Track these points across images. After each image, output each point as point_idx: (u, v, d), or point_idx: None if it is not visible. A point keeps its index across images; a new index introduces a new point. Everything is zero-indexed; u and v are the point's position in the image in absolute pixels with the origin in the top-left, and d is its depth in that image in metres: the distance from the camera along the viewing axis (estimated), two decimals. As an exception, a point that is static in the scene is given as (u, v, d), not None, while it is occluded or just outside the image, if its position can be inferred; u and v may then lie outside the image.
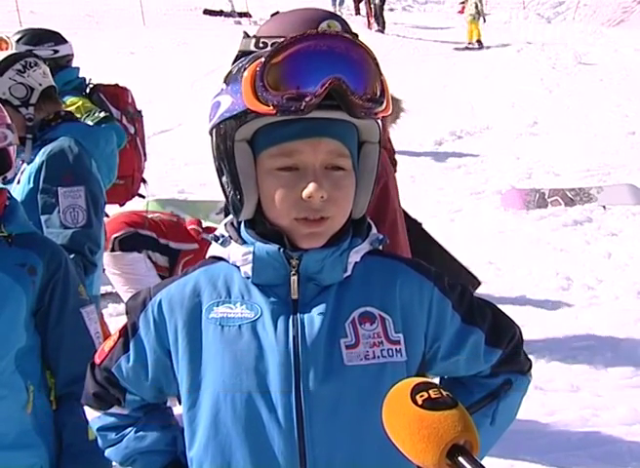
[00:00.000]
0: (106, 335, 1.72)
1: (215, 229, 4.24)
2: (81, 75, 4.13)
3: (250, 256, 1.20)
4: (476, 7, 17.73)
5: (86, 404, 1.40)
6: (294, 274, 1.19)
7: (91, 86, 4.11)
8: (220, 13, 20.47)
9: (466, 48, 17.25)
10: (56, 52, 3.99)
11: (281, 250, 1.19)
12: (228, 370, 1.20)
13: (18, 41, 3.81)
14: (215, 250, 1.28)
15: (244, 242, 1.23)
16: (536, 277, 5.42)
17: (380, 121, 1.23)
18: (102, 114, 3.67)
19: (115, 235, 3.91)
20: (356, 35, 1.66)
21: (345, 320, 1.20)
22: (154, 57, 14.97)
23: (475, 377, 1.33)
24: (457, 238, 6.35)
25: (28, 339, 1.75)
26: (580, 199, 7.01)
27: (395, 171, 2.82)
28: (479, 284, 4.32)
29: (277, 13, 2.11)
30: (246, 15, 20.20)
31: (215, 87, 1.26)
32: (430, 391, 0.92)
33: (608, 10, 21.34)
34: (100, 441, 1.40)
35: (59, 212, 2.42)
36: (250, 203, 1.20)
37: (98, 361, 1.36)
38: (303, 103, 1.10)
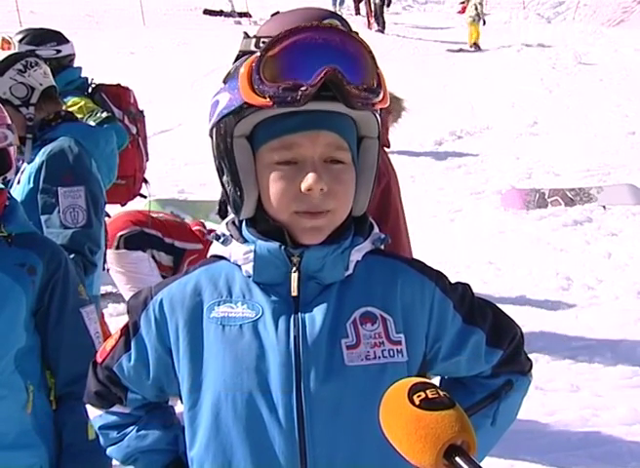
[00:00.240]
0: (106, 335, 1.72)
1: None
2: (82, 75, 4.13)
3: (251, 255, 1.20)
4: (476, 9, 17.57)
5: (88, 402, 1.40)
6: (294, 271, 1.19)
7: (93, 86, 4.11)
8: (220, 13, 20.48)
9: (460, 50, 17.10)
10: (58, 51, 4.00)
11: (282, 247, 1.19)
12: (229, 369, 1.19)
13: (20, 41, 3.82)
14: (216, 249, 1.28)
15: (245, 241, 1.23)
16: (536, 277, 5.43)
17: (378, 116, 1.23)
18: (105, 114, 3.68)
19: (121, 233, 3.92)
20: (356, 34, 1.66)
21: (347, 320, 1.20)
22: (154, 57, 14.97)
23: (476, 378, 1.33)
24: (457, 238, 6.36)
25: (28, 339, 1.75)
26: (580, 199, 7.01)
27: None
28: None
29: (277, 13, 2.11)
30: (246, 15, 20.21)
31: (215, 87, 1.26)
32: (428, 391, 0.92)
33: (608, 10, 21.34)
34: (101, 439, 1.40)
35: (59, 212, 2.42)
36: (250, 200, 1.20)
37: (99, 360, 1.36)
38: (299, 93, 1.10)
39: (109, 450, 1.39)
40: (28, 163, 2.53)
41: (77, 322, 1.83)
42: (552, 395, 3.71)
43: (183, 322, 1.24)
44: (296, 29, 1.12)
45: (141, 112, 4.36)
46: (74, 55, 4.10)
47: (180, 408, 1.32)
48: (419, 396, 0.91)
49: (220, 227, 1.29)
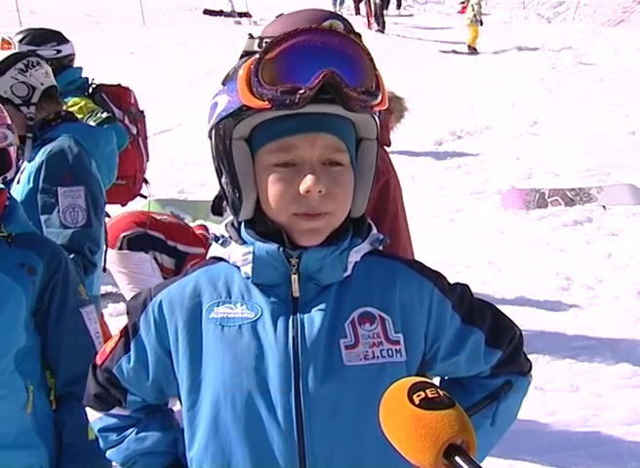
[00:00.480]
0: (106, 335, 1.72)
1: None
2: (82, 75, 4.13)
3: (250, 256, 1.20)
4: (472, 9, 17.27)
5: (87, 405, 1.40)
6: (294, 273, 1.19)
7: (93, 86, 4.11)
8: (220, 13, 20.47)
9: (453, 51, 16.87)
10: (59, 51, 4.00)
11: (281, 249, 1.19)
12: (228, 369, 1.20)
13: (20, 41, 3.82)
14: (215, 250, 1.28)
15: (244, 242, 1.23)
16: (536, 277, 5.43)
17: (377, 117, 1.23)
18: (105, 115, 3.68)
19: (124, 234, 3.92)
20: (359, 35, 1.67)
21: (345, 320, 1.20)
22: (154, 57, 14.97)
23: (475, 378, 1.33)
24: (457, 238, 6.37)
25: (28, 339, 1.75)
26: (580, 199, 7.01)
27: None
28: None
29: (281, 15, 2.13)
30: (246, 15, 20.20)
31: (215, 87, 1.26)
32: (427, 390, 0.92)
33: (608, 10, 21.33)
34: (101, 442, 1.40)
35: (58, 211, 2.42)
36: (249, 201, 1.20)
37: (99, 362, 1.36)
38: (298, 96, 1.10)
39: (109, 453, 1.39)
40: (28, 162, 2.53)
41: (77, 322, 1.83)
42: (552, 395, 3.71)
43: (183, 323, 1.24)
44: (294, 32, 1.13)
45: (142, 112, 4.36)
46: (74, 55, 4.10)
47: (178, 409, 1.32)
48: (418, 395, 0.91)
49: (219, 229, 1.29)
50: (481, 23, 17.36)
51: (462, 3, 20.87)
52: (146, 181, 4.34)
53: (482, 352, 1.29)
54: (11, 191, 2.04)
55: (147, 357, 1.28)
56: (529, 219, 6.77)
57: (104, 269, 2.86)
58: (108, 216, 3.47)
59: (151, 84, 11.36)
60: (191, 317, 1.23)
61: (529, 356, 1.37)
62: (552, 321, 4.64)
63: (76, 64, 4.15)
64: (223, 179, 1.22)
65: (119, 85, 4.26)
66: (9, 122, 1.90)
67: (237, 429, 1.19)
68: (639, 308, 4.83)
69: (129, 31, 17.06)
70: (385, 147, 2.40)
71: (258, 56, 1.13)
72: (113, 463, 1.49)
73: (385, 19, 19.02)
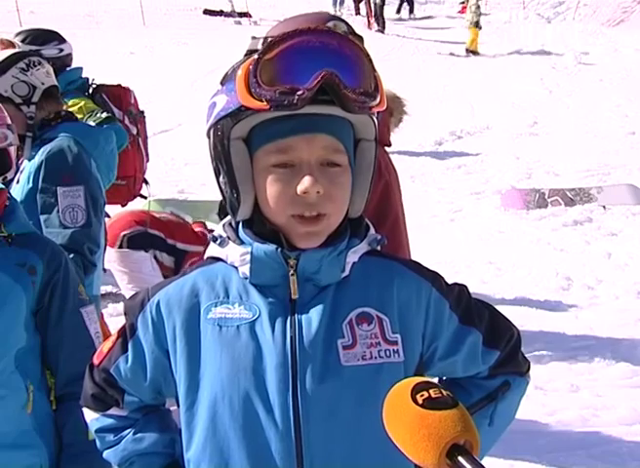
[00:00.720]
0: (106, 335, 1.72)
1: None
2: (83, 75, 4.13)
3: (248, 257, 1.20)
4: (473, 12, 17.11)
5: (85, 405, 1.40)
6: (292, 274, 1.19)
7: (94, 86, 4.11)
8: (220, 13, 20.48)
9: (451, 53, 16.74)
10: (61, 51, 4.02)
11: (279, 250, 1.19)
12: (226, 370, 1.19)
13: (23, 41, 3.82)
14: (213, 250, 1.28)
15: (242, 242, 1.23)
16: (536, 277, 5.43)
17: (375, 118, 1.23)
18: (105, 115, 3.68)
19: (124, 232, 3.93)
20: (361, 38, 1.67)
21: (343, 320, 1.20)
22: (154, 57, 14.98)
23: (473, 379, 1.33)
24: (457, 238, 6.37)
25: (28, 339, 1.75)
26: (580, 199, 7.01)
27: None
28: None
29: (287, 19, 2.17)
30: (246, 15, 20.21)
31: (215, 87, 1.26)
32: (431, 390, 0.92)
33: (608, 10, 21.33)
34: (98, 443, 1.40)
35: (58, 211, 2.42)
36: (247, 202, 1.20)
37: (96, 362, 1.36)
38: (296, 97, 1.10)
39: (106, 454, 1.39)
40: (29, 160, 2.53)
41: (77, 322, 1.83)
42: (552, 395, 3.71)
43: (181, 323, 1.24)
44: (293, 33, 1.12)
45: (142, 113, 4.36)
46: (72, 53, 4.12)
47: (176, 409, 1.32)
48: (422, 395, 0.91)
49: (217, 229, 1.29)
50: (479, 26, 17.19)
51: (462, 3, 20.85)
52: (146, 182, 4.34)
53: (480, 352, 1.29)
54: (10, 191, 2.04)
55: (145, 357, 1.28)
56: (529, 219, 6.78)
57: (104, 269, 2.86)
58: (108, 217, 3.47)
59: (151, 84, 11.37)
60: (189, 317, 1.23)
61: (529, 356, 1.37)
62: (552, 321, 4.64)
63: (76, 64, 4.15)
64: (221, 179, 1.22)
65: (119, 85, 4.26)
66: (9, 122, 1.90)
67: (235, 429, 1.19)
68: (639, 308, 4.83)
69: (129, 31, 17.07)
70: (385, 148, 2.41)
71: (256, 56, 1.13)
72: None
73: (401, 24, 18.94)
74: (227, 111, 1.16)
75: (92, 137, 2.67)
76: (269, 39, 1.94)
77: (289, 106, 1.11)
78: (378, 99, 1.17)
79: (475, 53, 16.76)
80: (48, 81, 2.62)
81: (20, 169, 2.52)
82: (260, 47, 1.94)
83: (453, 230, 6.62)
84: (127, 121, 4.14)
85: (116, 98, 4.13)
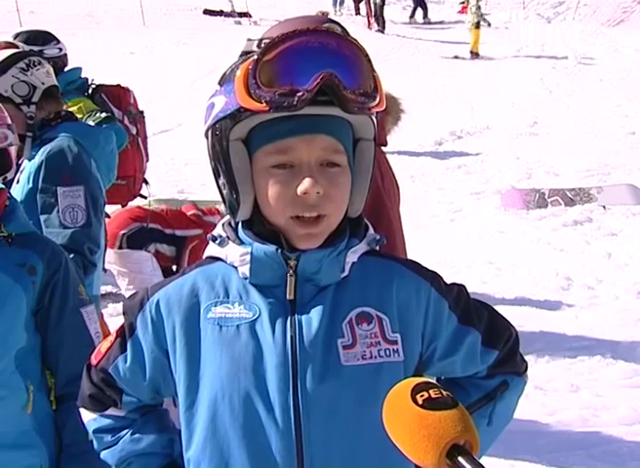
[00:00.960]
0: (106, 335, 1.72)
1: (213, 210, 4.23)
2: (82, 75, 4.14)
3: (247, 257, 1.20)
4: (474, 13, 16.70)
5: (82, 406, 1.40)
6: (291, 275, 1.19)
7: (93, 86, 4.12)
8: (220, 13, 20.48)
9: (456, 56, 16.48)
10: (60, 50, 4.03)
11: (279, 250, 1.19)
12: (226, 369, 1.19)
13: (25, 42, 3.82)
14: (212, 250, 1.28)
15: (241, 242, 1.23)
16: (536, 277, 5.43)
17: (374, 118, 1.23)
18: (104, 115, 3.68)
19: (122, 231, 3.94)
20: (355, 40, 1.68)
21: (343, 320, 1.20)
22: (154, 57, 14.98)
23: (472, 378, 1.33)
24: (457, 238, 6.37)
25: (28, 339, 1.75)
26: (580, 199, 7.01)
27: None
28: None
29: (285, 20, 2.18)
30: (246, 15, 20.21)
31: (215, 87, 1.26)
32: (431, 391, 0.92)
33: (608, 10, 21.33)
34: (95, 443, 1.39)
35: (58, 211, 2.42)
36: (246, 203, 1.20)
37: (94, 362, 1.36)
38: (296, 99, 1.10)
39: (103, 454, 1.39)
40: (29, 160, 2.53)
41: (77, 322, 1.83)
42: (552, 395, 3.71)
43: (180, 322, 1.24)
44: (291, 34, 1.12)
45: (141, 113, 4.36)
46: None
47: (175, 410, 1.32)
48: (422, 395, 0.91)
49: (217, 229, 1.29)
50: (489, 24, 16.96)
51: (462, 3, 20.84)
52: (146, 182, 4.35)
53: (478, 352, 1.29)
54: (10, 191, 2.04)
55: (144, 357, 1.27)
56: (529, 219, 6.78)
57: (104, 269, 2.86)
58: (108, 217, 3.47)
59: (151, 84, 11.37)
60: (189, 317, 1.23)
61: (529, 356, 1.37)
62: (552, 321, 4.65)
63: (76, 65, 4.16)
64: (221, 180, 1.22)
65: (118, 85, 4.27)
66: (9, 122, 1.90)
67: (235, 429, 1.19)
68: (639, 308, 4.83)
69: (129, 31, 17.08)
70: (383, 147, 2.41)
71: (255, 57, 1.13)
72: (112, 464, 1.49)
73: (416, 28, 18.84)
74: (226, 112, 1.16)
75: (92, 137, 2.67)
76: (266, 40, 1.96)
77: (288, 108, 1.11)
78: (377, 100, 1.17)
79: (477, 54, 16.62)
80: (48, 81, 2.62)
81: (21, 169, 2.52)
82: (255, 48, 1.95)
83: (453, 230, 6.62)
84: (126, 121, 4.15)
85: (115, 98, 4.14)
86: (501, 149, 9.45)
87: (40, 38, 3.96)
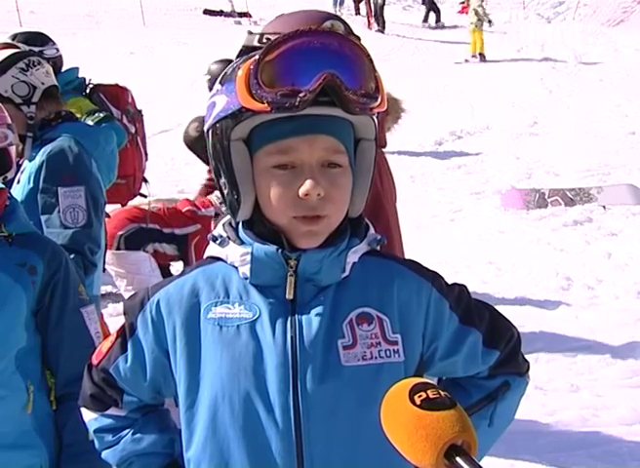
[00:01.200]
0: (106, 335, 1.72)
1: (207, 202, 4.22)
2: (81, 75, 4.14)
3: (248, 257, 1.20)
4: (477, 14, 16.31)
5: (83, 405, 1.40)
6: (291, 275, 1.19)
7: (91, 86, 4.12)
8: (220, 13, 20.49)
9: (466, 61, 16.09)
10: (57, 50, 4.03)
11: (279, 250, 1.18)
12: (226, 370, 1.19)
13: (25, 43, 3.82)
14: (213, 250, 1.28)
15: (242, 242, 1.23)
16: (536, 277, 5.43)
17: (376, 118, 1.23)
18: (103, 114, 3.69)
19: (120, 232, 3.93)
20: (358, 38, 1.67)
21: (343, 321, 1.20)
22: (154, 57, 14.99)
23: (473, 379, 1.33)
24: (457, 238, 6.37)
25: (29, 339, 1.75)
26: (580, 199, 7.01)
27: None
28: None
29: (282, 15, 2.14)
30: (246, 15, 20.22)
31: (215, 87, 1.26)
32: (429, 391, 0.92)
33: (608, 10, 21.34)
34: (96, 443, 1.39)
35: (59, 211, 2.42)
36: (247, 203, 1.20)
37: (95, 362, 1.36)
38: (298, 99, 1.10)
39: (104, 454, 1.39)
40: (29, 161, 2.53)
41: (77, 322, 1.83)
42: (552, 395, 3.71)
43: (181, 322, 1.24)
44: (293, 34, 1.12)
45: (140, 112, 4.37)
46: None
47: (176, 410, 1.32)
48: (420, 396, 0.91)
49: (217, 228, 1.29)
50: (490, 23, 16.74)
51: (462, 3, 20.84)
52: (146, 180, 4.35)
53: (480, 353, 1.29)
54: (11, 191, 2.04)
55: (145, 357, 1.27)
56: (529, 219, 6.78)
57: (104, 269, 2.86)
58: (108, 216, 3.48)
59: (151, 84, 11.38)
60: (189, 317, 1.23)
61: (529, 356, 1.37)
62: (552, 321, 4.64)
63: (77, 64, 4.16)
64: (221, 180, 1.21)
65: (116, 84, 4.27)
66: (9, 121, 1.90)
67: (235, 429, 1.19)
68: (639, 308, 4.83)
69: (129, 31, 17.08)
70: (383, 148, 2.41)
71: (257, 57, 1.12)
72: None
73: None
74: (227, 112, 1.16)
75: (92, 138, 2.67)
76: (267, 35, 1.95)
77: (290, 108, 1.11)
78: (378, 101, 1.17)
79: (479, 55, 16.36)
80: (48, 81, 2.62)
81: (21, 169, 2.52)
82: (256, 43, 1.94)
83: (453, 230, 6.62)
84: (125, 120, 4.16)
85: (114, 98, 4.15)
86: (501, 149, 9.45)
87: (38, 39, 3.97)
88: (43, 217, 2.43)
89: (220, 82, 1.21)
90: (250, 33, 2.05)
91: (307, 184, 1.14)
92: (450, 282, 1.32)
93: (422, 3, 20.92)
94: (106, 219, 3.05)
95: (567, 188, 7.25)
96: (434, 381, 1.35)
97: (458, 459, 0.87)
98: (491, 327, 1.30)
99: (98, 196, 2.53)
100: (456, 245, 6.15)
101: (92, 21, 18.17)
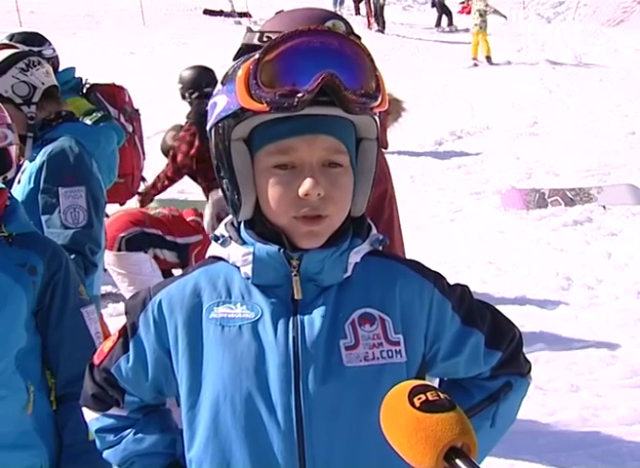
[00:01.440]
0: (106, 335, 1.72)
1: None
2: (81, 75, 4.15)
3: (250, 257, 1.20)
4: (481, 16, 15.71)
5: (84, 405, 1.39)
6: (295, 275, 1.19)
7: (87, 86, 4.12)
8: (220, 13, 20.50)
9: (475, 65, 15.64)
10: (54, 51, 4.03)
11: (281, 250, 1.18)
12: (228, 370, 1.19)
13: (23, 43, 3.82)
14: (215, 250, 1.28)
15: (244, 242, 1.23)
16: (536, 277, 5.43)
17: (377, 118, 1.23)
18: (100, 114, 3.68)
19: (122, 234, 3.93)
20: (359, 37, 1.67)
21: (345, 321, 1.20)
22: (154, 57, 14.98)
23: (475, 380, 1.33)
24: (457, 238, 6.37)
25: (29, 340, 1.75)
26: (580, 199, 7.02)
27: None
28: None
29: (281, 11, 2.12)
30: (246, 15, 20.22)
31: (215, 87, 1.26)
32: (428, 393, 0.92)
33: (608, 10, 21.35)
34: (98, 443, 1.39)
35: (59, 212, 2.42)
36: (248, 203, 1.20)
37: (96, 361, 1.35)
38: (296, 100, 1.10)
39: (106, 454, 1.38)
40: (30, 162, 2.53)
41: (78, 322, 1.83)
42: (552, 395, 3.71)
43: (183, 322, 1.23)
44: (293, 33, 1.12)
45: (137, 111, 4.37)
46: None
47: (177, 410, 1.32)
48: (419, 398, 0.91)
49: (219, 228, 1.29)
50: (505, 17, 16.36)
51: (462, 3, 20.83)
52: (144, 179, 4.35)
53: (482, 353, 1.29)
54: (12, 191, 2.04)
55: (147, 356, 1.27)
56: (529, 219, 6.78)
57: (104, 269, 2.86)
58: (107, 216, 3.48)
59: (151, 84, 11.37)
60: (191, 317, 1.23)
61: (529, 356, 1.37)
62: (552, 321, 4.65)
63: (77, 64, 4.17)
64: (223, 180, 1.21)
65: (113, 84, 4.28)
66: (9, 121, 1.90)
67: (237, 430, 1.19)
68: (639, 308, 4.83)
69: (129, 31, 17.08)
70: (382, 149, 2.40)
71: (256, 57, 1.12)
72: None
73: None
74: (228, 112, 1.16)
75: (93, 138, 2.67)
76: (268, 33, 1.93)
77: (289, 109, 1.10)
78: (379, 100, 1.17)
79: (486, 59, 15.97)
80: (48, 81, 2.62)
81: (22, 169, 2.52)
82: (256, 41, 1.93)
83: (453, 230, 6.62)
84: (122, 119, 4.16)
85: (110, 97, 4.15)
86: (501, 149, 9.46)
87: (35, 39, 3.98)
88: (43, 218, 2.43)
89: (222, 82, 1.21)
90: (250, 31, 2.03)
91: (307, 184, 1.13)
92: (450, 282, 1.32)
93: (432, 6, 20.78)
94: (106, 219, 3.05)
95: (567, 188, 7.25)
96: (436, 382, 1.35)
97: (457, 461, 0.87)
98: (493, 327, 1.30)
99: (98, 196, 2.53)
100: (456, 245, 6.15)
101: (92, 21, 18.17)
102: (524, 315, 4.60)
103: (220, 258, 1.26)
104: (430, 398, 0.91)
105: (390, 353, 1.19)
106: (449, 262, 5.51)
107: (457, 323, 1.27)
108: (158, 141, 8.63)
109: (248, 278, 1.21)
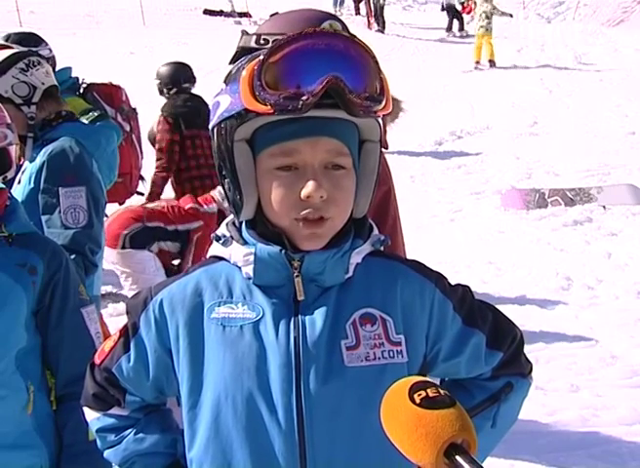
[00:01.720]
0: (106, 335, 1.72)
1: (209, 198, 4.25)
2: (79, 75, 4.14)
3: (251, 257, 1.20)
4: (487, 17, 15.40)
5: (85, 405, 1.39)
6: (297, 275, 1.19)
7: (84, 85, 4.12)
8: (220, 13, 20.49)
9: (476, 68, 15.35)
10: (50, 51, 4.03)
11: (282, 251, 1.18)
12: (229, 370, 1.19)
13: (20, 43, 3.82)
14: (216, 249, 1.27)
15: (245, 242, 1.23)
16: (536, 277, 5.43)
17: (380, 120, 1.23)
18: (97, 113, 3.68)
19: (125, 232, 3.94)
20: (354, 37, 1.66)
21: (346, 321, 1.20)
22: (154, 57, 14.96)
23: (476, 380, 1.33)
24: (457, 238, 6.37)
25: (29, 340, 1.75)
26: (580, 199, 7.02)
27: None
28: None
29: (276, 13, 2.11)
30: (246, 15, 20.22)
31: (215, 87, 1.26)
32: (428, 390, 0.92)
33: (608, 10, 21.35)
34: (98, 442, 1.39)
35: (59, 212, 2.42)
36: (250, 203, 1.20)
37: (97, 361, 1.35)
38: (301, 102, 1.10)
39: (107, 454, 1.38)
40: (30, 162, 2.53)
41: (78, 322, 1.83)
42: (552, 395, 3.71)
43: (184, 322, 1.23)
44: (298, 35, 1.11)
45: (134, 110, 4.37)
46: None
47: (178, 410, 1.32)
48: (419, 394, 0.91)
49: (221, 228, 1.29)
50: (511, 16, 16.20)
51: (463, 3, 20.82)
52: (142, 178, 4.35)
53: (483, 354, 1.29)
54: (12, 191, 2.04)
55: (148, 356, 1.27)
56: (529, 219, 6.78)
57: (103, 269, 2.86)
58: (106, 216, 3.48)
59: (151, 84, 11.35)
60: (192, 316, 1.23)
61: (529, 356, 1.37)
62: (552, 321, 4.65)
63: (77, 64, 4.17)
64: (225, 180, 1.21)
65: (110, 83, 4.28)
66: (9, 121, 1.90)
67: (238, 430, 1.19)
68: (639, 308, 4.83)
69: (129, 31, 17.08)
70: (382, 149, 2.40)
71: (261, 58, 1.12)
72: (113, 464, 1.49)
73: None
74: (231, 112, 1.16)
75: (93, 138, 2.67)
76: (265, 36, 1.92)
77: (293, 111, 1.10)
78: (383, 103, 1.16)
79: (489, 62, 15.68)
80: (48, 81, 2.61)
81: (22, 169, 2.52)
82: (253, 44, 1.92)
83: (453, 230, 6.63)
84: (120, 118, 4.16)
85: (107, 97, 4.14)
86: (501, 149, 9.46)
87: (32, 39, 3.97)
88: (44, 218, 2.43)
89: (225, 81, 1.21)
90: (245, 33, 2.02)
91: (309, 186, 1.13)
92: (453, 282, 1.32)
93: (442, 9, 20.66)
94: (105, 219, 3.05)
95: (567, 188, 7.26)
96: (437, 382, 1.35)
97: (457, 458, 0.87)
98: (494, 328, 1.30)
99: (98, 196, 2.53)
100: (456, 245, 6.15)
101: (92, 21, 18.16)
102: (524, 315, 4.60)
103: (221, 258, 1.26)
104: (430, 394, 0.91)
105: (391, 353, 1.19)
106: (449, 262, 5.52)
107: (458, 323, 1.27)
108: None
109: (249, 278, 1.21)
